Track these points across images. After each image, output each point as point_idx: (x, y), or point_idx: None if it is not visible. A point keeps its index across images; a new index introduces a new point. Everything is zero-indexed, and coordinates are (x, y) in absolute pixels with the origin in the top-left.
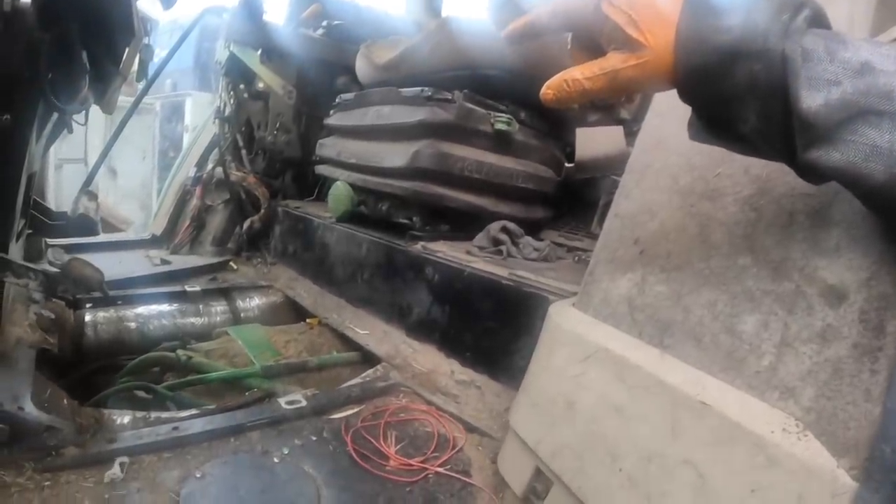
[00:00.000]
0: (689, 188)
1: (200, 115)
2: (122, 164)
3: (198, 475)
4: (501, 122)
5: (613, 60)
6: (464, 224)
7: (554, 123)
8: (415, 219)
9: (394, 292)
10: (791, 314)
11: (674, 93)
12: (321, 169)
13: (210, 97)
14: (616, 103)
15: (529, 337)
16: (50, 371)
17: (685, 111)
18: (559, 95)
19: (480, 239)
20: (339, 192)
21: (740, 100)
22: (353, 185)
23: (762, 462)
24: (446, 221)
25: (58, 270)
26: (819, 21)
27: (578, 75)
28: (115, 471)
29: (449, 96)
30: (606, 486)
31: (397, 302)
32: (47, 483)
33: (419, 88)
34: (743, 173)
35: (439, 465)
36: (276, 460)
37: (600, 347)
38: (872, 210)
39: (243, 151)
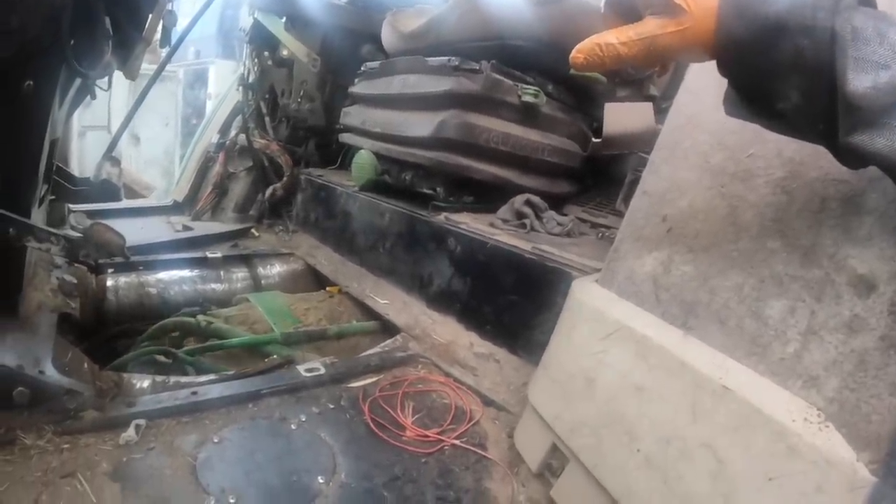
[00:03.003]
0: (720, 168)
1: (223, 83)
2: (145, 131)
3: (215, 440)
4: (528, 93)
5: (651, 26)
6: (487, 196)
7: (581, 97)
8: (438, 189)
9: (415, 263)
10: (819, 302)
11: (706, 69)
12: (345, 137)
13: (233, 65)
14: (645, 78)
15: (550, 312)
16: (71, 335)
17: (718, 88)
18: (590, 59)
19: (504, 212)
20: (363, 161)
21: (783, 76)
22: (376, 154)
23: (782, 450)
24: (470, 193)
25: (80, 235)
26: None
27: (613, 39)
28: (130, 433)
29: (476, 66)
30: (623, 465)
31: (418, 272)
32: (66, 445)
33: (446, 58)
34: (776, 155)
35: (455, 438)
36: (293, 427)
37: (623, 325)
38: None
39: (267, 119)
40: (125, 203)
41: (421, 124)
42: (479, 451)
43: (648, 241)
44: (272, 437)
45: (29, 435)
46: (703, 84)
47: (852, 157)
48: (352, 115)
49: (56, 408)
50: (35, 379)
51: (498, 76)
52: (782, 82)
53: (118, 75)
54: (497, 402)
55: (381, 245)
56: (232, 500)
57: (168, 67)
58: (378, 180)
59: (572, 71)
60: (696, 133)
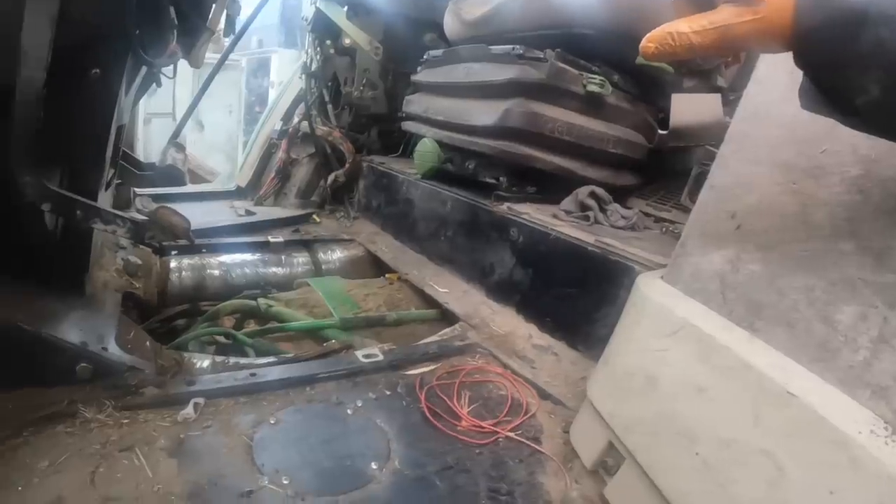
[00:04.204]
0: (792, 163)
1: (286, 71)
2: (209, 118)
3: (272, 421)
4: (594, 83)
5: (726, 14)
6: (550, 187)
7: (647, 88)
8: (501, 179)
9: (476, 252)
10: (892, 308)
11: (777, 60)
12: (408, 125)
13: (295, 54)
14: (713, 68)
15: (611, 307)
16: (134, 314)
17: (790, 80)
18: (661, 49)
19: (567, 203)
20: (426, 149)
21: (864, 68)
22: (439, 142)
23: (844, 462)
24: (532, 183)
25: (145, 218)
26: None
27: (686, 28)
28: (188, 411)
29: (540, 55)
30: (679, 467)
31: (479, 262)
32: (126, 420)
33: (510, 46)
34: (850, 152)
35: (510, 430)
36: (349, 412)
37: (687, 324)
38: None
39: (329, 106)
40: (189, 188)
41: (485, 113)
42: (534, 445)
43: (716, 237)
44: (328, 420)
45: (90, 409)
46: (774, 75)
47: None
48: (414, 104)
49: (117, 383)
50: (98, 355)
51: (563, 65)
52: (862, 76)
53: (183, 64)
54: (554, 395)
55: (442, 233)
56: (285, 481)
57: (231, 56)
58: (440, 168)
59: (640, 60)
60: (767, 126)
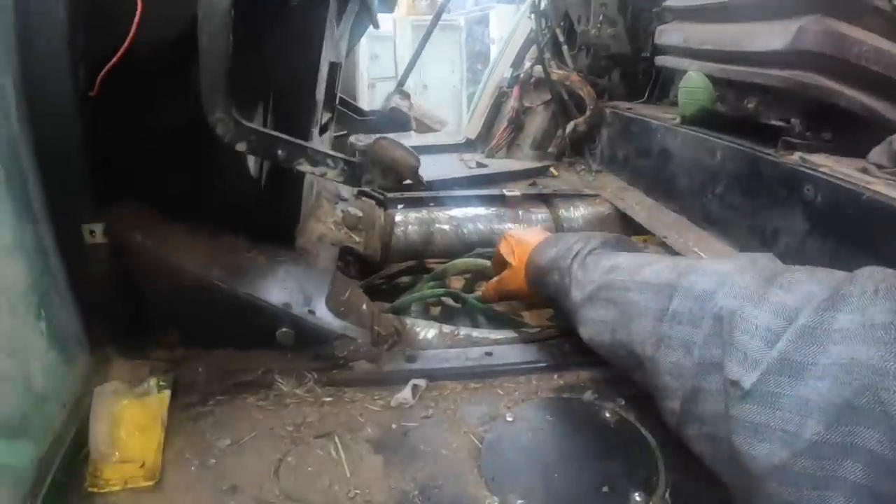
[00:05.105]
0: None
1: (505, 27)
2: (432, 79)
3: (508, 417)
4: None
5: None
6: (851, 133)
7: None
8: (793, 121)
9: (754, 214)
10: None
11: None
12: (662, 60)
13: (513, 10)
14: None
15: None
16: (354, 270)
17: None
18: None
19: (879, 154)
20: (695, 84)
21: (551, 288)
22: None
23: None
24: (830, 128)
25: (361, 158)
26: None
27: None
28: (405, 395)
29: None
30: None
31: (758, 226)
32: (328, 399)
33: None
34: None
35: None
36: (607, 415)
37: None
38: None
39: (564, 47)
40: (415, 140)
41: (770, 35)
42: None
43: None
44: (580, 423)
45: (288, 381)
46: None
47: None
48: (669, 34)
49: (324, 353)
50: (302, 319)
51: None
52: (552, 291)
53: (403, 26)
54: None
55: (709, 190)
56: None
57: (449, 17)
58: (711, 110)
59: None
60: None
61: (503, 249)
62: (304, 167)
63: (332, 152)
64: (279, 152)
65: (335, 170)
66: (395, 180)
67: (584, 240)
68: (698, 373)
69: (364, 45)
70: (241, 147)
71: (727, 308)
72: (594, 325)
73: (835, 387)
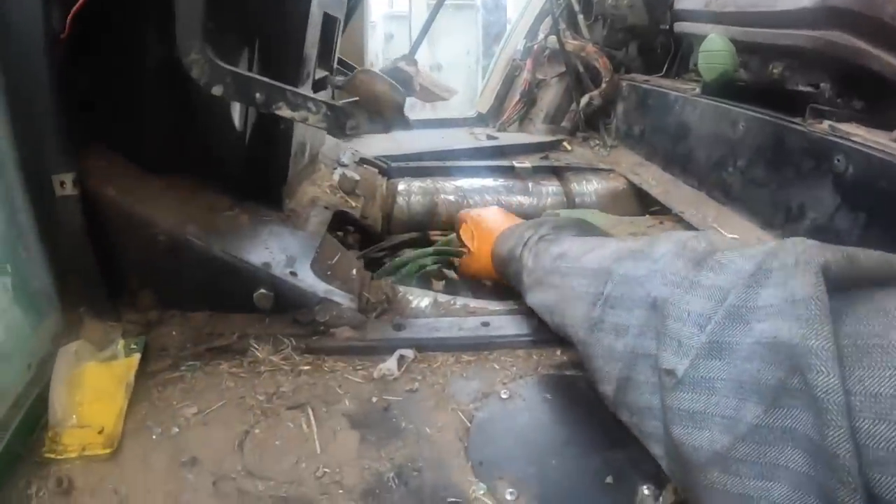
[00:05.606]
0: None
1: (522, 6)
2: (446, 59)
3: (503, 394)
4: None
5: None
6: (883, 104)
7: None
8: (822, 86)
9: (779, 188)
10: None
11: None
12: (681, 27)
13: None
14: None
15: None
16: (354, 240)
17: None
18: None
19: None
20: (716, 47)
21: (514, 277)
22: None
23: None
24: (861, 96)
25: (345, 102)
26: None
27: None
28: (390, 365)
29: None
30: None
31: (783, 201)
32: (305, 367)
33: None
34: None
35: None
36: None
37: None
38: None
39: (580, 17)
40: (425, 115)
41: None
42: None
43: None
44: (583, 404)
45: (264, 347)
46: None
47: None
48: None
49: (304, 318)
50: (282, 280)
51: None
52: (513, 280)
53: (419, 4)
54: None
55: (730, 163)
56: (510, 497)
57: None
58: (734, 76)
59: None
60: None
61: (464, 235)
62: (284, 111)
63: (313, 96)
64: (257, 95)
65: (317, 115)
66: (384, 127)
67: (534, 227)
68: (630, 361)
69: (379, 26)
70: (217, 90)
71: (660, 297)
72: (536, 308)
73: (764, 367)
